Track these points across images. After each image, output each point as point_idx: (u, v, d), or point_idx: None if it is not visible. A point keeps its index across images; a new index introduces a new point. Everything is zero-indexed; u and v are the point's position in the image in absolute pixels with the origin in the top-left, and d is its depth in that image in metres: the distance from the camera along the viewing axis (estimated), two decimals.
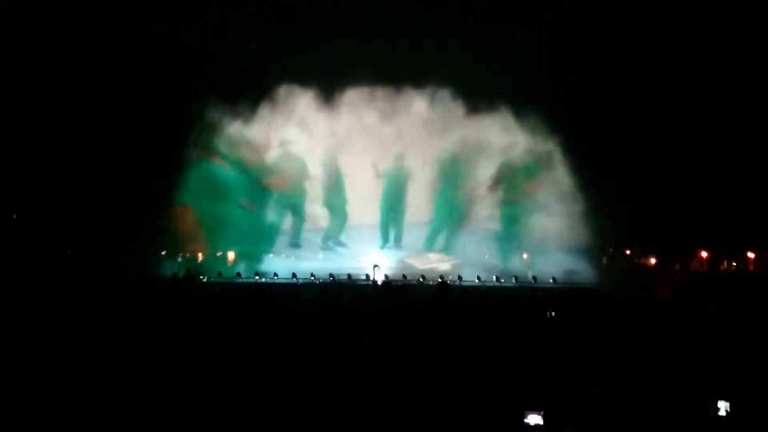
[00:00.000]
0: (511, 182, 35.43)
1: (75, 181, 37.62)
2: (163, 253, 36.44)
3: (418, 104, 37.34)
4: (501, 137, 35.95)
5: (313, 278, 31.83)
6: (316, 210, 37.16)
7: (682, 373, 6.73)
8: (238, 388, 6.80)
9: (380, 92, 37.35)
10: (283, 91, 36.95)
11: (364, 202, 36.12)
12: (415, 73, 36.67)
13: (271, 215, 36.69)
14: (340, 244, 36.61)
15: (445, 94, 36.70)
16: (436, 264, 34.37)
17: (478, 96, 36.34)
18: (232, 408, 6.53)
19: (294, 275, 32.52)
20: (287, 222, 36.85)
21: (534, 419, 5.43)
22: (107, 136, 38.04)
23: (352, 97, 37.34)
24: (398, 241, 36.36)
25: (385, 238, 36.45)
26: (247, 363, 7.38)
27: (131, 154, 37.11)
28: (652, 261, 45.29)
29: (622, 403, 3.35)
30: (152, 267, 32.40)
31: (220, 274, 33.18)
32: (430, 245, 35.93)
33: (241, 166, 36.11)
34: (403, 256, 35.23)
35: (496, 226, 35.75)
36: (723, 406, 5.79)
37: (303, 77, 36.77)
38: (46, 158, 37.75)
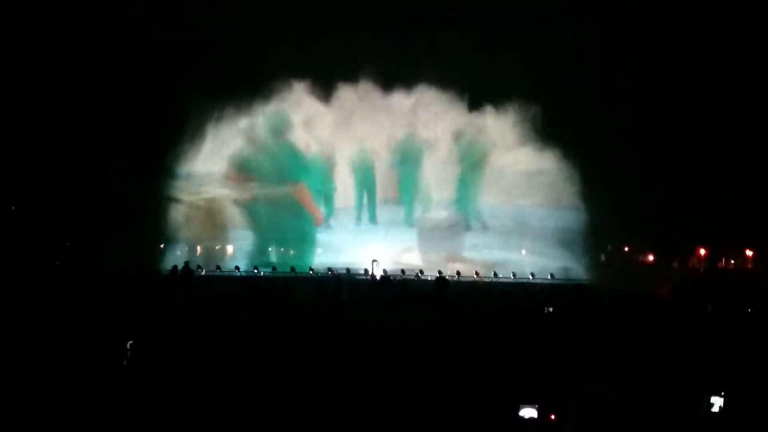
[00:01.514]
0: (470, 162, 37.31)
1: (74, 173, 37.64)
2: (162, 245, 36.54)
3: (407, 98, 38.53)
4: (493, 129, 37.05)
5: (311, 272, 31.94)
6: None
7: (678, 370, 6.76)
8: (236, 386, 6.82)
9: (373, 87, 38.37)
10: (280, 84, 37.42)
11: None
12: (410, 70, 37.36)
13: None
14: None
15: (436, 89, 37.72)
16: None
17: (473, 92, 36.93)
18: (229, 406, 6.56)
19: (293, 269, 32.63)
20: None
21: (528, 412, 5.44)
22: (105, 128, 38.06)
23: (345, 91, 38.29)
24: (373, 218, 38.46)
25: (360, 216, 38.58)
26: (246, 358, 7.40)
27: (131, 146, 37.15)
28: (651, 258, 45.41)
29: (624, 396, 3.36)
30: (152, 260, 32.48)
31: (218, 267, 33.26)
32: (407, 221, 38.22)
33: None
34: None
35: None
36: (717, 403, 5.81)
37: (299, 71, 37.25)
38: (44, 150, 37.73)
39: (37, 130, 37.82)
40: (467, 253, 35.80)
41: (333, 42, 38.40)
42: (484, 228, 37.18)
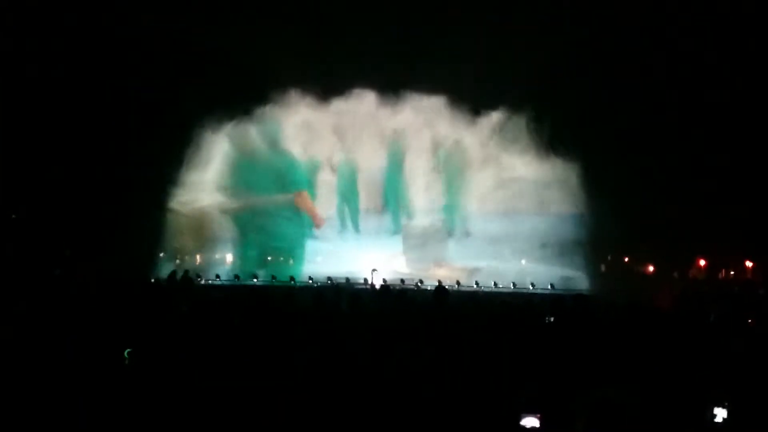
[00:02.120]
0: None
1: (74, 181, 37.65)
2: (162, 254, 36.53)
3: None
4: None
5: (310, 281, 31.93)
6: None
7: (680, 380, 6.72)
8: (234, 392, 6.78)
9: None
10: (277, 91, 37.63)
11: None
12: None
13: None
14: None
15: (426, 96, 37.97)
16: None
17: (469, 98, 37.00)
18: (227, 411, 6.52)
19: (291, 278, 32.63)
20: None
21: (530, 422, 5.40)
22: (106, 135, 38.13)
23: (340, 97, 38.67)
24: (356, 226, 38.78)
25: (344, 225, 38.98)
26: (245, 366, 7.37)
27: (131, 153, 37.21)
28: (651, 268, 45.38)
29: (632, 403, 3.34)
30: (150, 268, 32.45)
31: (218, 276, 33.22)
32: (395, 228, 38.60)
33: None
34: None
35: None
36: (720, 414, 5.78)
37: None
38: (44, 158, 37.75)
39: (36, 139, 37.83)
40: (458, 262, 35.88)
41: (323, 49, 38.53)
42: (475, 236, 37.15)
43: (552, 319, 9.91)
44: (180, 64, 39.00)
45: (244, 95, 37.39)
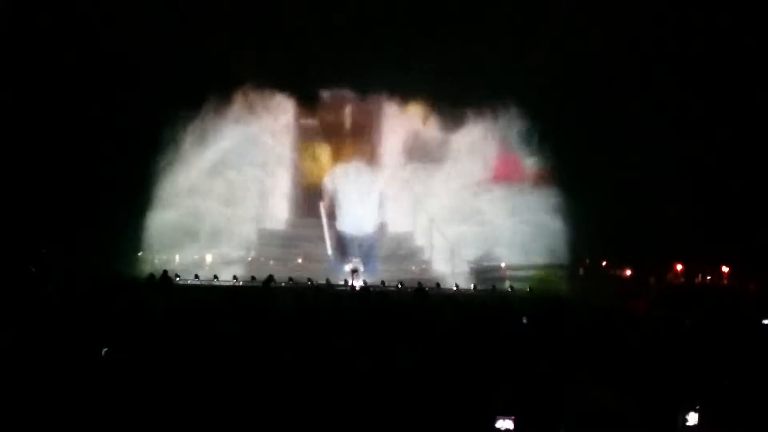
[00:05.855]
0: None
1: (51, 179, 37.25)
2: (140, 254, 36.20)
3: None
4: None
5: (291, 282, 31.73)
6: None
7: (654, 384, 6.80)
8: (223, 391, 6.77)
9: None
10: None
11: None
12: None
13: None
14: None
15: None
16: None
17: (452, 102, 37.13)
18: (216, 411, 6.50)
19: (271, 277, 32.40)
20: None
21: (505, 424, 5.45)
22: (84, 134, 37.76)
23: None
24: None
25: None
26: (231, 366, 7.35)
27: (108, 152, 36.89)
28: (628, 273, 45.76)
29: (618, 405, 3.38)
30: (128, 267, 32.13)
31: (196, 276, 32.90)
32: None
33: None
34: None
35: None
36: (692, 418, 5.87)
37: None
38: (20, 156, 37.29)
39: (12, 138, 37.33)
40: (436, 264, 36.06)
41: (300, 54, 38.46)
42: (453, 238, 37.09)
43: (526, 320, 9.99)
44: (161, 65, 38.73)
45: (221, 94, 37.11)
